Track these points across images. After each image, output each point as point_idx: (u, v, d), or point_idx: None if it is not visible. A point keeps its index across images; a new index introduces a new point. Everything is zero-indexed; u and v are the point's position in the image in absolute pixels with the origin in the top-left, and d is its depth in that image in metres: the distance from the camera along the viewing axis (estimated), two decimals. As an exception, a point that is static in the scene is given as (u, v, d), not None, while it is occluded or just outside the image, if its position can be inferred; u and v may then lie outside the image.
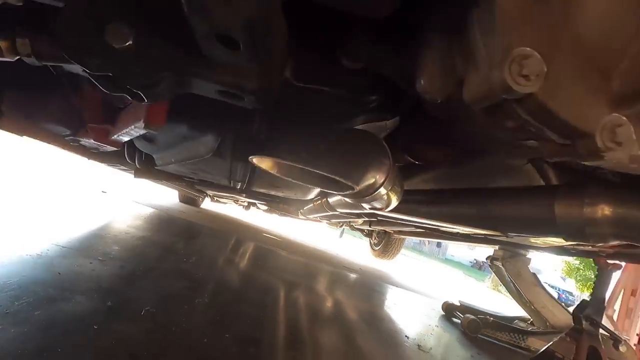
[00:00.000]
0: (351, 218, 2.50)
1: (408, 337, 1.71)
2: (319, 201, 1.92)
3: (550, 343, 1.93)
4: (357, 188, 0.71)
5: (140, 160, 1.69)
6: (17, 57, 0.59)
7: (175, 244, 2.09)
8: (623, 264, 2.20)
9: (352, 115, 0.99)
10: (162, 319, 1.01)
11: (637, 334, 3.76)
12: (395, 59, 0.76)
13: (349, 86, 0.89)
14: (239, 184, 1.49)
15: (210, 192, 2.85)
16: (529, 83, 0.40)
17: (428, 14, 0.57)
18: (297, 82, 0.87)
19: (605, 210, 0.81)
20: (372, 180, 0.80)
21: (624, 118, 0.42)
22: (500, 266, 2.47)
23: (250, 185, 1.50)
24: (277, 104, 0.82)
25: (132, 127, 1.01)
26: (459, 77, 0.53)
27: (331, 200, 1.68)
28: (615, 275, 2.75)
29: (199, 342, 0.94)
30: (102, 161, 1.92)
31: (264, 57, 0.56)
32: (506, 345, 2.24)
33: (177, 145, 1.20)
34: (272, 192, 1.74)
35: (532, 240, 1.61)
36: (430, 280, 6.17)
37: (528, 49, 0.41)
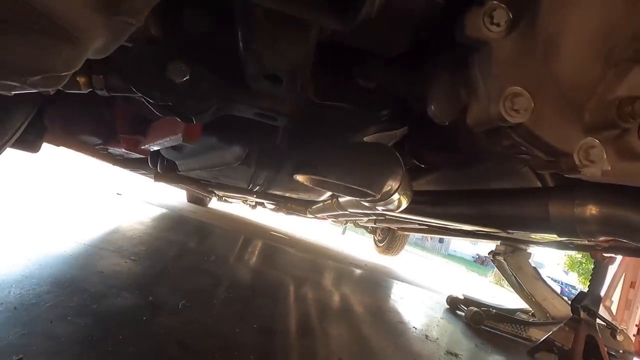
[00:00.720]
0: (358, 217, 2.61)
1: (416, 328, 1.83)
2: (330, 201, 2.04)
3: (550, 332, 2.04)
4: (378, 196, 0.82)
5: (162, 166, 1.81)
6: (90, 90, 0.71)
7: (193, 243, 2.21)
8: (618, 256, 2.30)
9: (365, 126, 1.10)
10: (197, 312, 1.13)
11: (636, 325, 3.87)
12: (406, 80, 0.86)
13: (364, 102, 1.00)
14: (258, 187, 1.60)
15: (220, 193, 2.96)
16: (519, 115, 0.51)
17: (435, 53, 0.68)
18: (318, 100, 0.98)
19: (593, 210, 0.93)
20: (388, 188, 0.92)
21: (596, 141, 0.53)
22: (502, 260, 2.57)
23: (268, 189, 1.62)
24: (296, 121, 0.93)
25: (168, 139, 1.12)
26: (463, 104, 0.64)
27: (342, 200, 1.79)
28: (612, 268, 2.85)
29: (231, 332, 1.06)
30: (124, 167, 2.04)
31: (299, 88, 0.67)
32: (508, 336, 2.35)
33: (204, 153, 1.31)
34: (288, 194, 1.86)
35: (531, 235, 1.72)
36: (434, 275, 6.29)
37: (518, 88, 0.52)
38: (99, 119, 1.42)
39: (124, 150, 1.50)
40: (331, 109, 1.02)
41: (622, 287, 4.01)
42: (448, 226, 1.57)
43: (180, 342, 0.91)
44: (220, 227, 3.48)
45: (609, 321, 2.21)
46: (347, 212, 2.00)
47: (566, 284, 21.36)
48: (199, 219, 3.46)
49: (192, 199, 4.86)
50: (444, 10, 0.62)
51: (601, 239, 1.09)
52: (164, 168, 1.83)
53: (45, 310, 0.85)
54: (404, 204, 1.18)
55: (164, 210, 3.24)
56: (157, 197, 3.95)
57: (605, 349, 1.97)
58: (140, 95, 0.68)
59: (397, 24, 0.62)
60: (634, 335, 3.69)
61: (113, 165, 1.97)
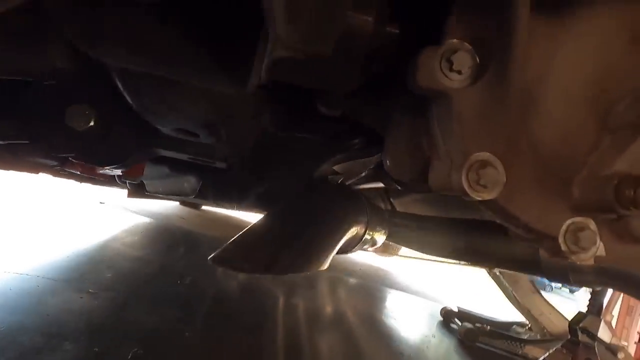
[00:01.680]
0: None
1: (403, 355, 1.72)
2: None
3: (546, 354, 1.93)
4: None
5: (131, 184, 1.70)
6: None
7: (171, 261, 2.10)
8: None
9: (334, 155, 0.98)
10: (150, 361, 1.02)
11: (638, 332, 3.76)
12: (371, 108, 0.74)
13: (328, 132, 0.88)
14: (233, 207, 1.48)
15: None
16: (486, 191, 0.39)
17: (395, 88, 0.56)
18: (275, 130, 0.86)
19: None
20: (353, 234, 0.80)
21: (589, 221, 0.41)
22: (498, 274, 2.46)
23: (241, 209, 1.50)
24: (255, 150, 0.81)
25: (112, 172, 1.01)
26: (426, 157, 0.51)
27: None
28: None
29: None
30: (93, 184, 1.93)
31: (225, 138, 0.55)
32: (504, 353, 2.25)
33: (163, 179, 1.20)
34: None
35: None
36: (431, 274, 6.18)
37: (486, 154, 0.39)
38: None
39: (79, 172, 1.38)
40: (292, 139, 0.90)
41: (624, 295, 3.89)
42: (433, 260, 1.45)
43: (117, 412, 0.80)
44: (208, 235, 3.37)
45: (608, 343, 2.09)
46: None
47: (568, 278, 21.28)
48: (187, 228, 3.35)
49: (184, 202, 4.75)
50: (400, 42, 0.50)
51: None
52: (134, 186, 1.72)
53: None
54: (380, 240, 1.06)
55: (147, 220, 3.12)
56: (144, 204, 3.84)
57: (605, 372, 1.87)
58: (38, 144, 0.57)
59: (341, 61, 0.50)
60: (635, 342, 3.59)
61: (80, 182, 1.86)
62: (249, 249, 0.61)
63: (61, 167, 1.47)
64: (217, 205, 1.88)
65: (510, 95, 0.38)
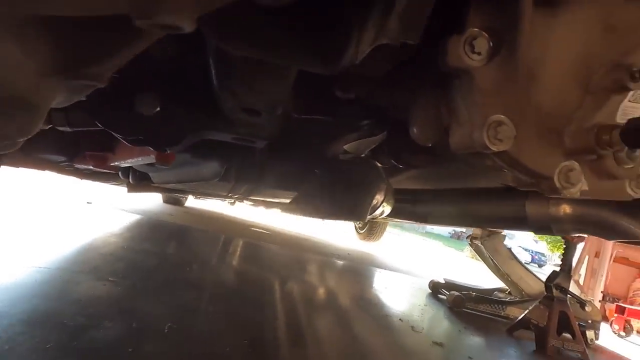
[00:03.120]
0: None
1: (402, 320, 1.88)
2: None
3: (526, 311, 2.15)
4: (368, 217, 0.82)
5: (134, 177, 1.73)
6: (50, 126, 0.65)
7: (173, 251, 2.15)
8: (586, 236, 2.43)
9: (346, 136, 1.09)
10: (185, 333, 1.10)
11: (601, 292, 4.16)
12: (387, 93, 0.85)
13: (344, 114, 0.98)
14: (238, 195, 1.56)
15: (197, 194, 2.89)
16: (502, 144, 0.51)
17: (417, 71, 0.67)
18: (296, 114, 0.95)
19: (567, 209, 0.96)
20: (375, 202, 0.92)
21: (575, 163, 0.54)
22: (479, 244, 2.67)
23: (249, 196, 1.59)
24: (278, 136, 0.90)
25: (139, 159, 1.07)
26: (445, 125, 0.63)
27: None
28: (580, 246, 3.02)
29: (223, 353, 1.05)
30: (94, 180, 1.94)
31: (278, 116, 0.65)
32: (488, 316, 2.47)
33: (179, 168, 1.26)
34: (269, 199, 1.83)
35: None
36: (414, 255, 6.47)
37: (500, 116, 0.52)
38: (61, 137, 1.33)
39: (91, 166, 1.42)
40: (309, 121, 0.99)
41: (588, 259, 4.28)
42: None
43: (171, 371, 0.89)
44: (199, 229, 3.40)
45: (578, 296, 2.35)
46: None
47: (536, 252, 22.56)
48: (177, 223, 3.37)
49: (168, 200, 4.72)
50: (426, 36, 0.61)
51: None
52: (137, 179, 1.75)
53: (22, 355, 0.80)
54: (387, 211, 1.19)
55: (138, 217, 3.13)
56: (130, 203, 3.81)
57: (576, 322, 2.11)
58: (108, 129, 0.64)
59: (378, 53, 0.60)
60: (599, 301, 3.97)
61: (81, 179, 1.87)
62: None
63: (69, 163, 1.50)
64: (219, 195, 1.93)
65: (517, 71, 0.51)
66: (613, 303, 3.72)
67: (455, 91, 0.56)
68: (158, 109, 0.62)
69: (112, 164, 1.35)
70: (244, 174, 1.11)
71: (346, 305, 1.92)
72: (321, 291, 2.14)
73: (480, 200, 1.20)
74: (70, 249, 1.68)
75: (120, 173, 1.72)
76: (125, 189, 2.05)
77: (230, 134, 0.71)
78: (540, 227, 1.05)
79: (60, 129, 0.66)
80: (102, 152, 1.33)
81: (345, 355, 1.29)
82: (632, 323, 3.44)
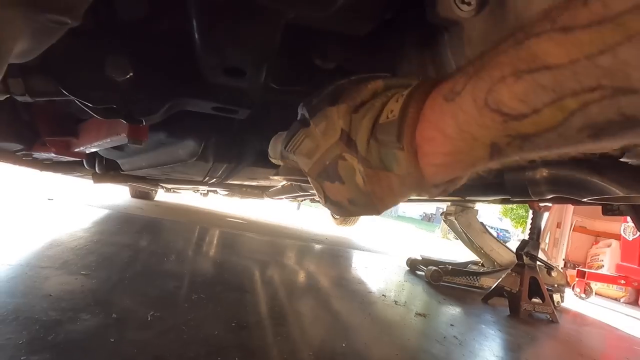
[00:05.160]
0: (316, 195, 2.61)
1: (385, 296, 1.92)
2: (289, 184, 2.00)
3: (499, 280, 2.26)
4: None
5: (101, 166, 1.63)
6: (8, 96, 0.58)
7: (148, 243, 2.07)
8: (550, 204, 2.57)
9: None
10: (169, 320, 1.06)
11: (563, 259, 4.46)
12: (367, 57, 0.84)
13: (323, 84, 0.96)
14: (215, 179, 1.51)
15: (168, 186, 2.78)
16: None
17: (400, 32, 0.66)
18: (275, 85, 0.92)
19: (543, 172, 1.00)
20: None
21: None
22: (454, 220, 2.76)
23: (226, 180, 1.53)
24: (259, 106, 0.87)
25: (108, 140, 1.00)
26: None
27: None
28: (546, 215, 3.20)
29: (211, 335, 1.02)
30: (55, 171, 1.81)
31: (263, 78, 0.62)
32: (464, 287, 2.57)
33: (151, 150, 1.19)
34: (247, 183, 1.79)
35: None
36: (389, 237, 6.63)
37: (491, 68, 0.52)
38: (14, 122, 1.22)
39: (52, 154, 1.32)
40: (289, 93, 0.97)
41: (550, 229, 4.55)
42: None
43: (159, 357, 0.85)
44: (172, 220, 3.29)
45: (545, 261, 2.50)
46: (308, 193, 1.99)
47: (501, 229, 23.78)
48: (148, 215, 3.24)
49: (136, 194, 4.53)
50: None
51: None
52: (104, 169, 1.66)
53: (-8, 353, 0.74)
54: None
55: (107, 212, 2.97)
56: (96, 198, 3.61)
57: (545, 286, 2.24)
58: (76, 98, 0.58)
59: (366, 4, 0.58)
60: (562, 268, 4.25)
61: (41, 171, 1.74)
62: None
63: (27, 152, 1.38)
64: (199, 184, 1.85)
65: (506, 23, 0.51)
66: (574, 269, 3.99)
67: (444, 46, 0.56)
68: (131, 74, 0.57)
69: (76, 150, 1.25)
70: (223, 151, 1.06)
71: (330, 285, 1.93)
72: (303, 273, 2.13)
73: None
74: (35, 245, 1.57)
75: (85, 162, 1.61)
76: (90, 181, 1.94)
77: (211, 102, 0.67)
78: (518, 192, 1.08)
79: (19, 98, 0.59)
80: (65, 137, 1.24)
81: (335, 329, 1.30)
82: (591, 286, 3.71)
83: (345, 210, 0.39)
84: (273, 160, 0.58)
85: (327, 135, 0.37)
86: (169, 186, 2.79)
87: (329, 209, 0.42)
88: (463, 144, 0.26)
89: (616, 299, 4.08)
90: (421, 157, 0.29)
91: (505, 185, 1.07)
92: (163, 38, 0.57)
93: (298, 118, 0.43)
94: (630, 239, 4.11)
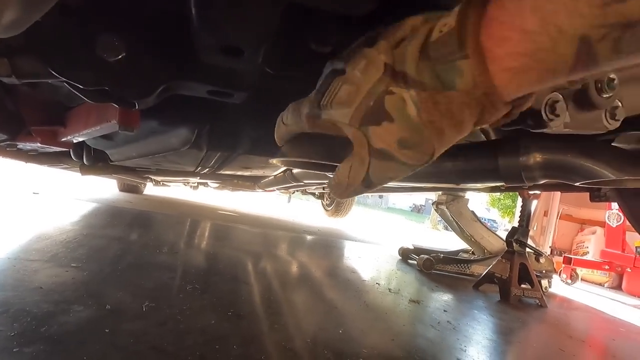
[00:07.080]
0: (309, 186, 2.61)
1: (379, 284, 1.93)
2: (282, 174, 1.99)
3: (490, 266, 2.30)
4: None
5: (89, 157, 1.59)
6: (-7, 78, 0.56)
7: (139, 236, 2.04)
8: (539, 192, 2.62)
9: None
10: (165, 310, 1.05)
11: (549, 247, 4.56)
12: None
13: (319, 70, 0.95)
14: (207, 169, 1.49)
15: (158, 178, 2.74)
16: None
17: (402, 13, 0.65)
18: (270, 70, 0.90)
19: (537, 157, 1.01)
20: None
21: (560, 95, 0.56)
22: (445, 209, 2.79)
23: (219, 170, 1.51)
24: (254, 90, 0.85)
25: (98, 128, 0.97)
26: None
27: (295, 172, 1.76)
28: (534, 203, 3.26)
29: (208, 325, 1.01)
30: (41, 163, 1.76)
31: (260, 60, 0.60)
32: (455, 275, 2.61)
33: (142, 139, 1.17)
34: (240, 173, 1.77)
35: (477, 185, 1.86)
36: (380, 228, 6.68)
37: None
38: (-1, 109, 1.18)
39: (38, 144, 1.28)
40: (283, 78, 0.95)
41: (538, 217, 4.65)
42: (404, 186, 1.62)
43: (156, 347, 0.84)
44: (163, 213, 3.25)
45: (534, 248, 2.55)
46: (300, 183, 1.98)
47: (488, 219, 24.20)
48: (138, 209, 3.19)
49: (124, 188, 4.45)
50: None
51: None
52: (92, 159, 1.62)
53: (-17, 345, 0.72)
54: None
55: (95, 205, 2.92)
56: (83, 192, 3.54)
57: (534, 272, 2.29)
58: (65, 80, 0.56)
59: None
60: (549, 255, 4.36)
61: (26, 162, 1.69)
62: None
63: (11, 142, 1.33)
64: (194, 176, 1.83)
65: None
66: (561, 256, 4.10)
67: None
68: (124, 54, 0.55)
69: (63, 140, 1.22)
70: (217, 138, 1.04)
71: (324, 274, 1.94)
72: (298, 263, 2.14)
73: (456, 157, 1.22)
74: (22, 238, 1.53)
75: (72, 152, 1.57)
76: (77, 174, 1.89)
77: (206, 85, 0.65)
78: (511, 177, 1.09)
79: (5, 80, 0.56)
80: (51, 126, 1.20)
81: (332, 316, 1.31)
82: (577, 272, 3.81)
83: (394, 159, 0.34)
84: (279, 142, 0.56)
85: (369, 73, 0.33)
86: (159, 178, 2.74)
87: (363, 176, 0.36)
88: (546, 39, 0.22)
89: (601, 284, 4.21)
90: (491, 62, 0.25)
91: (500, 171, 1.08)
92: (157, 16, 0.55)
93: (326, 74, 0.40)
94: (614, 226, 4.22)
